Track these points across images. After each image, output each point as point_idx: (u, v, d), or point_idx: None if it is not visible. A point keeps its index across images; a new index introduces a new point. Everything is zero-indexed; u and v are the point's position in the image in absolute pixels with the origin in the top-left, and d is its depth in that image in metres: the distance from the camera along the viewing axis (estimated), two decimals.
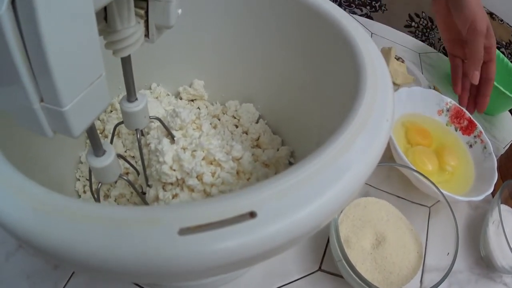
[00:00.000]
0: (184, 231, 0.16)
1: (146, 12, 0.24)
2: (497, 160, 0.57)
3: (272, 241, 0.17)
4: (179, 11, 0.25)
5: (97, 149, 0.25)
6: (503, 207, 0.45)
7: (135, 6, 0.23)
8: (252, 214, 0.17)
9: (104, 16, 0.22)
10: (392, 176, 0.44)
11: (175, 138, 0.37)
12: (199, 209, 0.17)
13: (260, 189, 0.18)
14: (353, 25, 0.30)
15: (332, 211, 0.19)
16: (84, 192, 0.38)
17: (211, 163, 0.34)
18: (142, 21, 0.24)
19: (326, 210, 0.18)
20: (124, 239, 0.16)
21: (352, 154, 0.20)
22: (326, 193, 0.19)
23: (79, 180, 0.39)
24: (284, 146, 0.43)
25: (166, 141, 0.35)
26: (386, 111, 0.24)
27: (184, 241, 0.16)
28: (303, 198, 0.18)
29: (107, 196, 0.37)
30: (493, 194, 0.53)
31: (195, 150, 0.34)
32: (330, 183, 0.19)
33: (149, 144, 0.37)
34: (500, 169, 0.54)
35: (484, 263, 0.45)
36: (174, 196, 0.33)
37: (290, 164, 0.42)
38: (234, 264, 0.17)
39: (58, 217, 0.17)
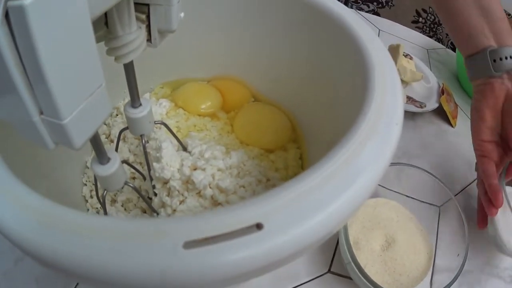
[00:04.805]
0: (189, 245, 0.16)
1: (148, 17, 0.24)
2: None
3: (280, 252, 0.16)
4: (181, 14, 0.24)
5: (101, 157, 0.25)
6: (509, 188, 0.43)
7: (136, 10, 0.22)
8: (258, 226, 0.16)
9: (105, 22, 0.21)
10: (401, 176, 0.44)
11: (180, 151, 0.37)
12: (204, 221, 0.16)
13: (266, 200, 0.17)
14: (359, 24, 0.30)
15: (341, 220, 0.18)
16: (91, 197, 0.38)
17: (219, 170, 0.34)
18: (143, 26, 0.23)
19: (334, 219, 0.18)
20: (128, 253, 0.16)
21: (362, 161, 0.20)
22: (334, 202, 0.18)
23: (85, 185, 0.38)
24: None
25: (168, 146, 0.34)
26: (395, 114, 0.23)
27: (189, 254, 0.15)
28: (311, 208, 0.18)
29: (114, 201, 0.37)
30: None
31: (204, 169, 0.34)
32: (339, 192, 0.18)
33: (154, 148, 0.36)
34: None
35: (493, 245, 0.43)
36: (181, 202, 0.32)
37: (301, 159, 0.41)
38: (241, 276, 0.16)
39: (62, 231, 0.17)
